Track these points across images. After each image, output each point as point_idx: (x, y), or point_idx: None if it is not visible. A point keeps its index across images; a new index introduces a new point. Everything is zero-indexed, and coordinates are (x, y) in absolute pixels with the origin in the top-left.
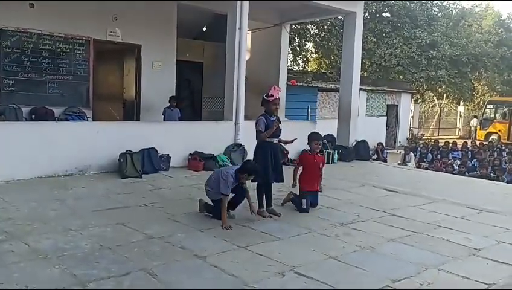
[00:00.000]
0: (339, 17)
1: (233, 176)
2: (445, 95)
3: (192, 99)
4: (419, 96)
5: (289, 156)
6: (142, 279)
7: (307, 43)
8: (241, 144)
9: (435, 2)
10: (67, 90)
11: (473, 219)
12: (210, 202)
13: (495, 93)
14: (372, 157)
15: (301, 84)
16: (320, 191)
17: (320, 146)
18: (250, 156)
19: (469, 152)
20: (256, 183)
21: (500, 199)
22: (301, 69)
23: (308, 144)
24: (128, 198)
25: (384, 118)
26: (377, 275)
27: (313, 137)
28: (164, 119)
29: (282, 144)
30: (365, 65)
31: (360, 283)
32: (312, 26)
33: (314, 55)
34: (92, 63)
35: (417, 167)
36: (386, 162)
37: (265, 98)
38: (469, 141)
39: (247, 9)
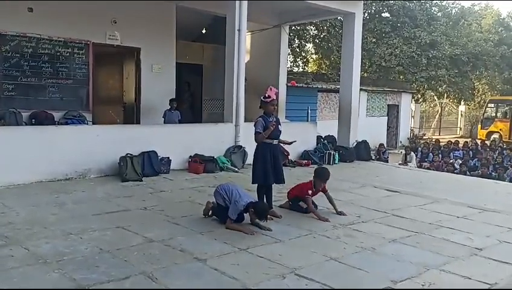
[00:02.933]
0: (339, 17)
1: (244, 206)
2: (445, 94)
3: (192, 102)
4: (419, 96)
5: (290, 157)
6: (142, 282)
7: (306, 44)
8: (241, 146)
9: (435, 1)
10: (67, 94)
11: (475, 218)
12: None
13: (495, 92)
14: (373, 158)
15: (301, 85)
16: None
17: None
18: (250, 157)
19: (470, 151)
20: (256, 184)
21: (502, 198)
22: (301, 70)
23: (314, 178)
24: (128, 201)
25: (385, 118)
26: (378, 276)
27: (324, 176)
28: (164, 122)
29: (282, 145)
30: (365, 65)
31: (361, 284)
32: (311, 27)
33: (314, 56)
34: (91, 67)
35: (418, 167)
36: (387, 162)
37: (263, 99)
38: (469, 140)
39: (245, 11)
